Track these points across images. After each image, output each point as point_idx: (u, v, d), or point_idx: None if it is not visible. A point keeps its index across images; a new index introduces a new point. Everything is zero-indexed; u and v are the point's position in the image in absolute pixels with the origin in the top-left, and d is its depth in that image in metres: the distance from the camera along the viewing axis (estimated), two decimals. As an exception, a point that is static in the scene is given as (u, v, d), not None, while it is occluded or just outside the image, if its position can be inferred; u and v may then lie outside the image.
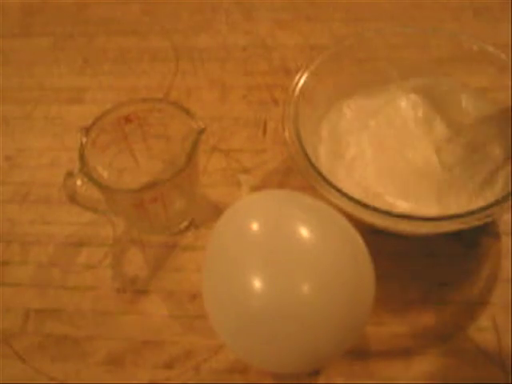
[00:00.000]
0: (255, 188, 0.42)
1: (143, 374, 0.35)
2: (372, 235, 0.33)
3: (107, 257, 0.40)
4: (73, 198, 0.36)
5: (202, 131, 0.36)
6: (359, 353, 0.35)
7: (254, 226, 0.29)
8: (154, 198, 0.36)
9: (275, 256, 0.28)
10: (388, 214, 0.33)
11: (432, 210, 0.36)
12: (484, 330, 0.35)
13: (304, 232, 0.29)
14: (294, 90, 0.39)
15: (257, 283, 0.28)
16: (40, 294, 0.39)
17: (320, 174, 0.34)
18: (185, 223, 0.41)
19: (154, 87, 0.50)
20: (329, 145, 0.40)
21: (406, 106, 0.41)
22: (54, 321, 0.38)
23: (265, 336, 0.28)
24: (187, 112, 0.37)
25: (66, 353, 0.36)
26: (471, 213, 0.32)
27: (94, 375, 0.35)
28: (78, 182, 0.35)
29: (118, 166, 0.39)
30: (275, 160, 0.44)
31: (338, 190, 0.34)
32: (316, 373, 0.34)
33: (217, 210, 0.41)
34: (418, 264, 0.38)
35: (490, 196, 0.36)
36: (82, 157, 0.35)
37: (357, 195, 0.34)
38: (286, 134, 0.37)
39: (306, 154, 0.35)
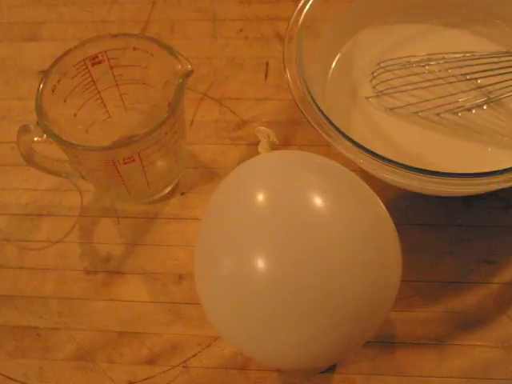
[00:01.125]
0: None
1: (119, 373, 0.35)
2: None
3: (73, 230, 0.40)
4: (29, 159, 0.36)
5: (188, 74, 0.35)
6: (383, 344, 0.35)
7: (258, 195, 0.29)
8: (130, 157, 0.35)
9: (282, 230, 0.28)
10: (421, 171, 0.32)
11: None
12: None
13: (316, 200, 0.29)
14: (297, 20, 0.38)
15: (261, 262, 0.27)
16: (-8, 276, 0.39)
17: (330, 122, 0.34)
18: (168, 188, 0.41)
19: (128, 20, 0.50)
20: (340, 84, 0.40)
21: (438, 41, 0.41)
22: (10, 309, 0.38)
23: (269, 325, 0.28)
24: (170, 50, 0.36)
25: (26, 347, 0.36)
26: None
27: (60, 373, 0.35)
28: (36, 139, 0.35)
29: (85, 119, 0.38)
30: (280, 110, 0.44)
31: (353, 142, 0.33)
32: (330, 369, 0.34)
33: (207, 173, 0.41)
34: (455, 237, 0.38)
35: None
36: (39, 107, 0.35)
37: (379, 147, 0.34)
38: (288, 76, 0.36)
39: (313, 100, 0.35)
